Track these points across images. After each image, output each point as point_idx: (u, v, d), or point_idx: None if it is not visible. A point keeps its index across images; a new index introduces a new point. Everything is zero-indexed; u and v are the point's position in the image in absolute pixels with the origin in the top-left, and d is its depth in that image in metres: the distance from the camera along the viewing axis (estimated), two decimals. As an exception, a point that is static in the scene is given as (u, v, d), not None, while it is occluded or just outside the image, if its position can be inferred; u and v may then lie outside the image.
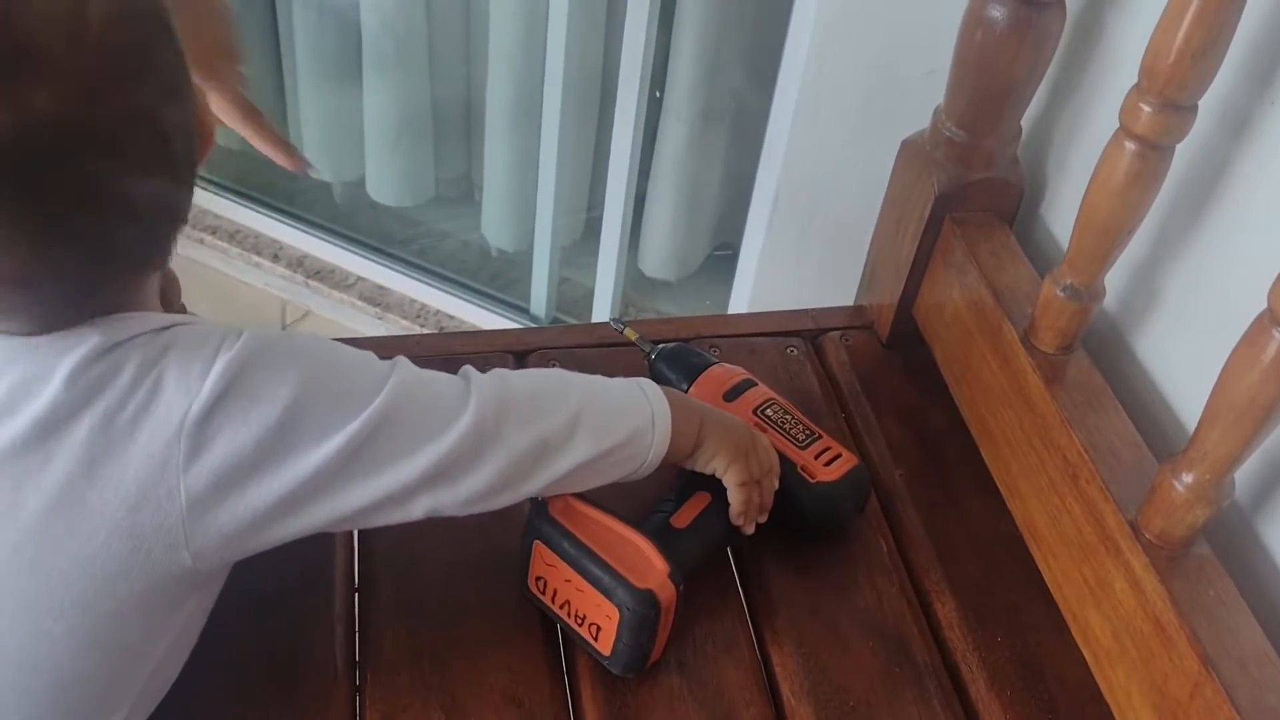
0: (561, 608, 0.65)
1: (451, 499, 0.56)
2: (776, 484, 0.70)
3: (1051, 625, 0.70)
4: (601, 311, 1.48)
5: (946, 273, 0.80)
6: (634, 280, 1.55)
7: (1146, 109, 0.58)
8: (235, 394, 0.50)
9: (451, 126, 1.57)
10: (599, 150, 1.44)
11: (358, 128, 1.55)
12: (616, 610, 0.62)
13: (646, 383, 0.65)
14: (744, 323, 0.92)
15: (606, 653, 0.64)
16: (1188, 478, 0.58)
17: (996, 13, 0.69)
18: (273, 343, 0.52)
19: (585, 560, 0.62)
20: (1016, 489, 0.73)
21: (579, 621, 0.64)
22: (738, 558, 0.74)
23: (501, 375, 0.60)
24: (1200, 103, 0.59)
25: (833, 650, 0.68)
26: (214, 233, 1.66)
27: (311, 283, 1.61)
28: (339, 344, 0.56)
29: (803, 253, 1.09)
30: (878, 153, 0.86)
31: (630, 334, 0.81)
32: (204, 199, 1.67)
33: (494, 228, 1.57)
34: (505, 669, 0.66)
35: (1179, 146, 0.61)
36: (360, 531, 0.72)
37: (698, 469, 0.68)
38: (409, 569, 0.70)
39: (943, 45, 0.76)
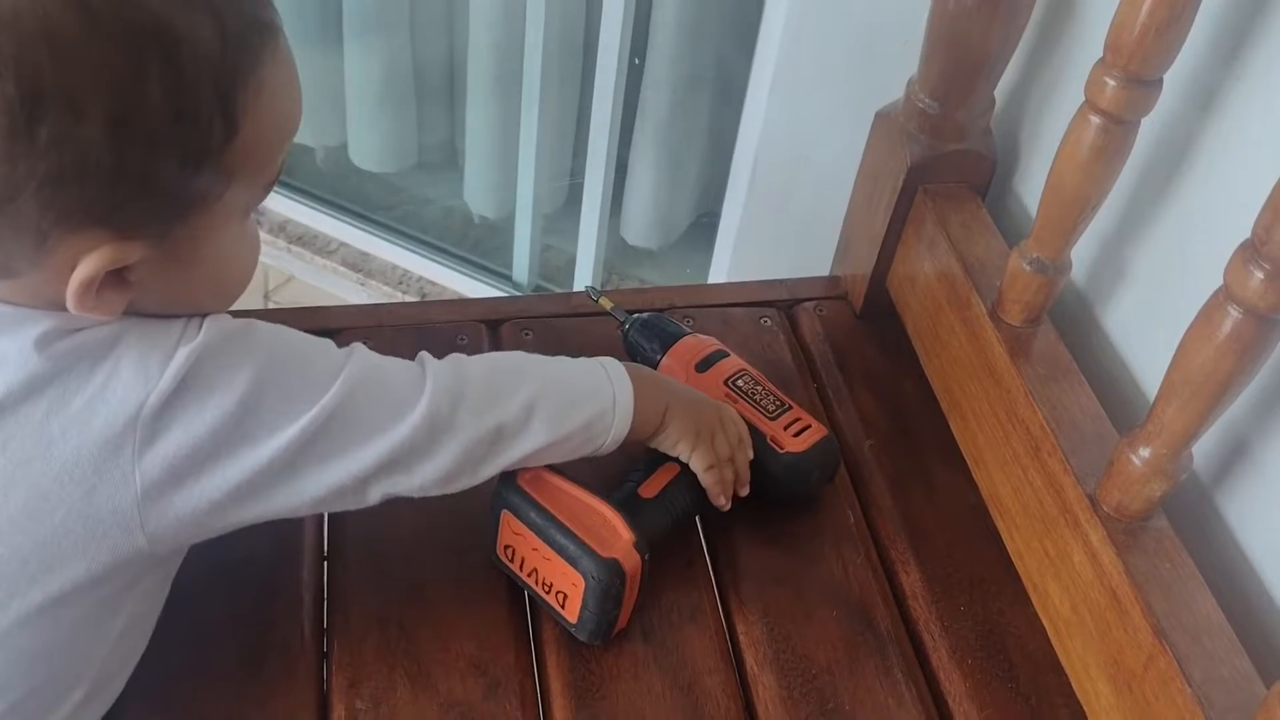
0: (529, 575, 0.66)
1: (407, 485, 0.57)
2: (750, 455, 0.71)
3: (1013, 596, 0.71)
4: (583, 279, 1.48)
5: (918, 244, 0.80)
6: (616, 248, 1.55)
7: (1111, 83, 0.58)
8: (192, 385, 0.50)
9: (434, 91, 1.56)
10: (581, 117, 1.44)
11: (339, 92, 1.54)
12: (582, 579, 0.62)
13: (610, 362, 0.65)
14: (718, 293, 0.92)
15: (573, 620, 0.64)
16: (1145, 452, 0.59)
17: (968, -16, 0.69)
18: (232, 334, 0.52)
19: (552, 530, 0.63)
20: (982, 461, 0.74)
21: (546, 589, 0.65)
22: (706, 528, 0.74)
23: (458, 361, 0.60)
24: (1166, 77, 0.59)
25: (797, 620, 0.69)
26: (195, 197, 1.65)
27: (294, 248, 1.60)
28: (297, 334, 0.56)
29: (782, 222, 1.09)
30: (855, 123, 0.86)
31: (605, 303, 0.82)
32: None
33: (476, 194, 1.57)
34: (471, 637, 0.66)
35: (1145, 121, 0.61)
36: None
37: (661, 450, 0.68)
38: (377, 538, 0.70)
39: (919, 16, 0.75)
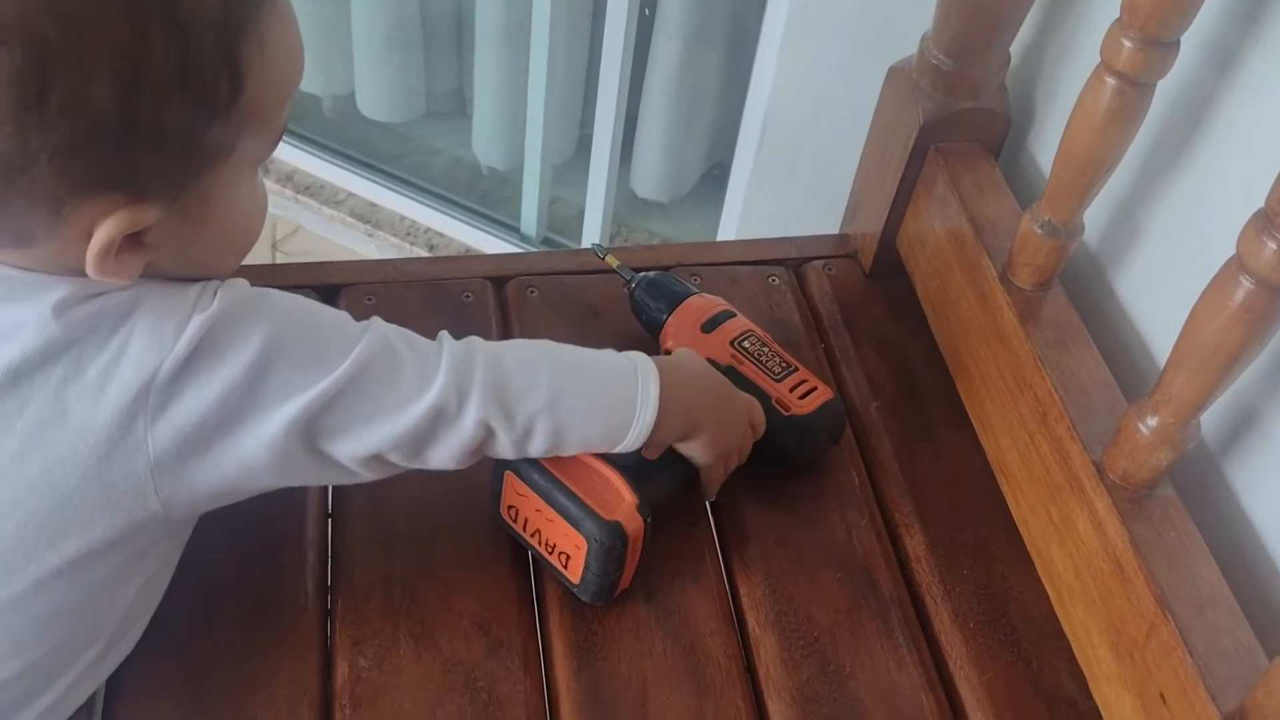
0: (532, 536, 0.66)
1: (407, 466, 0.58)
2: (761, 431, 0.70)
3: (1017, 560, 0.71)
4: (592, 232, 1.47)
5: (929, 204, 0.79)
6: (626, 200, 1.53)
7: (1127, 44, 0.57)
8: (205, 353, 0.50)
9: (443, 39, 1.54)
10: (591, 66, 1.42)
11: (347, 40, 1.52)
12: (585, 541, 0.63)
13: (646, 369, 0.62)
14: (726, 250, 0.91)
15: (576, 581, 0.65)
16: (1152, 421, 0.58)
17: (985, -63, 0.67)
18: (246, 302, 0.52)
19: (555, 491, 0.63)
20: (989, 425, 0.73)
21: (549, 550, 0.65)
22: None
23: (476, 350, 0.58)
24: (1184, 39, 0.57)
25: (800, 582, 0.69)
26: (203, 146, 1.64)
27: (301, 198, 1.59)
28: (314, 305, 0.56)
29: (793, 177, 1.07)
30: (868, 78, 0.84)
31: (612, 261, 0.81)
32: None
33: (485, 145, 1.55)
34: (475, 596, 0.67)
35: (1162, 82, 0.60)
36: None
37: (682, 453, 0.67)
38: (381, 496, 0.70)
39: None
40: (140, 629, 0.61)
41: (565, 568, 0.65)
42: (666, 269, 0.86)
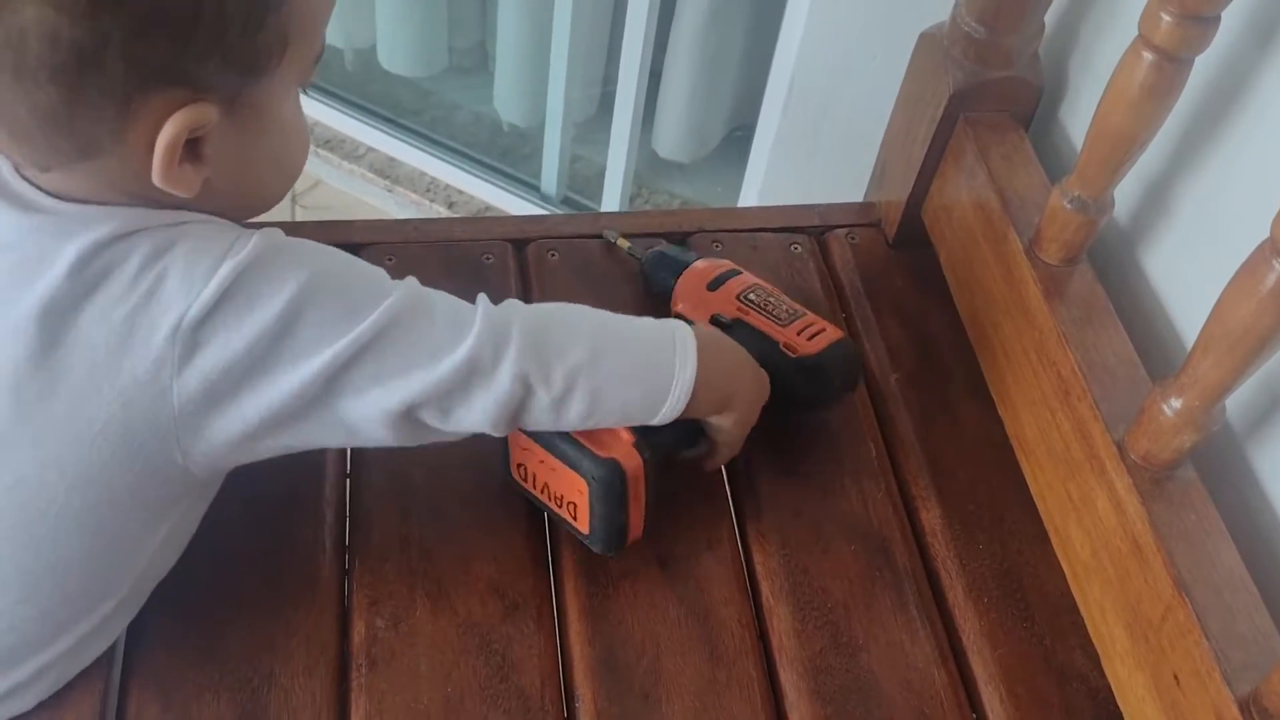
0: (541, 491, 0.66)
1: (439, 429, 0.57)
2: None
3: (1033, 536, 0.70)
4: (613, 193, 1.46)
5: (957, 174, 0.78)
6: (647, 160, 1.52)
7: (1166, 19, 0.55)
8: (234, 299, 0.50)
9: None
10: (615, 22, 1.40)
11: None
12: (584, 482, 0.62)
13: (684, 337, 0.61)
14: (748, 217, 0.90)
15: (585, 531, 0.64)
16: (1176, 403, 0.58)
17: (1023, -98, 0.66)
18: (280, 249, 0.52)
19: (554, 438, 0.62)
20: (1010, 400, 0.73)
21: (558, 503, 0.65)
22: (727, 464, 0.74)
23: (513, 310, 0.58)
24: (1225, 13, 0.56)
25: (814, 553, 0.69)
26: (224, 97, 1.63)
27: (321, 152, 1.58)
28: (349, 257, 0.55)
29: (817, 143, 1.06)
30: (897, 43, 0.83)
31: (623, 244, 0.82)
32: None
33: (506, 101, 1.54)
34: (491, 559, 0.67)
35: (1199, 58, 0.58)
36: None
37: (705, 425, 0.67)
38: (400, 458, 0.70)
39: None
40: (150, 588, 0.62)
41: (575, 518, 0.64)
42: (688, 235, 0.86)
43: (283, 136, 0.54)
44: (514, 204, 1.53)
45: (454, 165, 1.56)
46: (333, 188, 1.62)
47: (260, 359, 0.51)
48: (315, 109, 1.62)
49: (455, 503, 0.69)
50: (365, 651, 0.63)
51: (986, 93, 0.75)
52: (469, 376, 0.55)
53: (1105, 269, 0.70)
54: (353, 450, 0.71)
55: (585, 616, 0.65)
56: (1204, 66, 0.60)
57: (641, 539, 0.66)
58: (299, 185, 1.63)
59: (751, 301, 0.73)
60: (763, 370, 0.68)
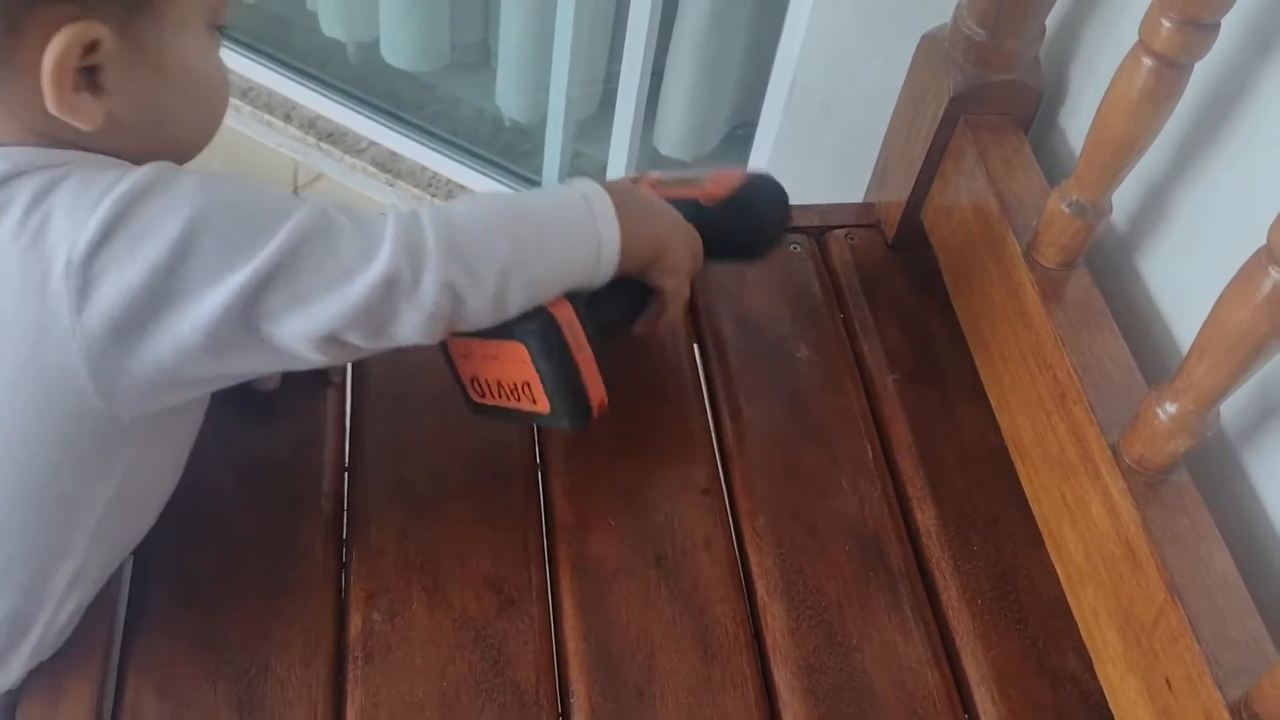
0: (499, 392, 0.63)
1: (374, 346, 0.54)
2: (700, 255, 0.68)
3: (1028, 538, 0.71)
4: (614, 189, 1.46)
5: (956, 176, 0.78)
6: (649, 157, 1.52)
7: (1167, 24, 0.56)
8: (121, 231, 0.48)
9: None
10: (618, 20, 1.40)
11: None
12: (524, 348, 0.59)
13: (597, 197, 0.60)
14: (749, 217, 0.90)
15: (545, 409, 0.62)
16: (1171, 407, 0.58)
17: (1026, -93, 0.66)
18: (171, 178, 0.50)
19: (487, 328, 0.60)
20: (1006, 402, 0.73)
21: (515, 394, 0.62)
22: (723, 456, 0.74)
23: (423, 216, 0.54)
24: (1225, 19, 0.56)
25: (810, 552, 0.70)
26: (226, 88, 1.63)
27: (324, 145, 1.59)
28: (247, 181, 0.52)
29: (818, 142, 1.06)
30: (899, 45, 0.83)
31: None
32: (216, 53, 1.64)
33: (508, 96, 1.54)
34: (488, 554, 0.67)
35: (1198, 63, 0.58)
36: (352, 411, 0.73)
37: (646, 280, 0.64)
38: (399, 451, 0.71)
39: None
40: (122, 552, 0.61)
41: (534, 400, 0.62)
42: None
43: (188, 76, 0.53)
44: (515, 200, 1.53)
45: (456, 160, 1.56)
46: (334, 181, 1.63)
47: (161, 292, 0.49)
48: (317, 101, 1.62)
49: (454, 497, 0.69)
50: (361, 644, 0.63)
51: (987, 95, 0.76)
52: (389, 294, 0.52)
53: (1102, 272, 0.71)
54: (351, 444, 0.71)
55: (580, 612, 0.66)
56: (1203, 72, 0.60)
57: (608, 408, 0.63)
58: (301, 178, 1.63)
59: (665, 182, 0.71)
60: (683, 218, 0.66)
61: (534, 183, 1.55)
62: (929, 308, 0.83)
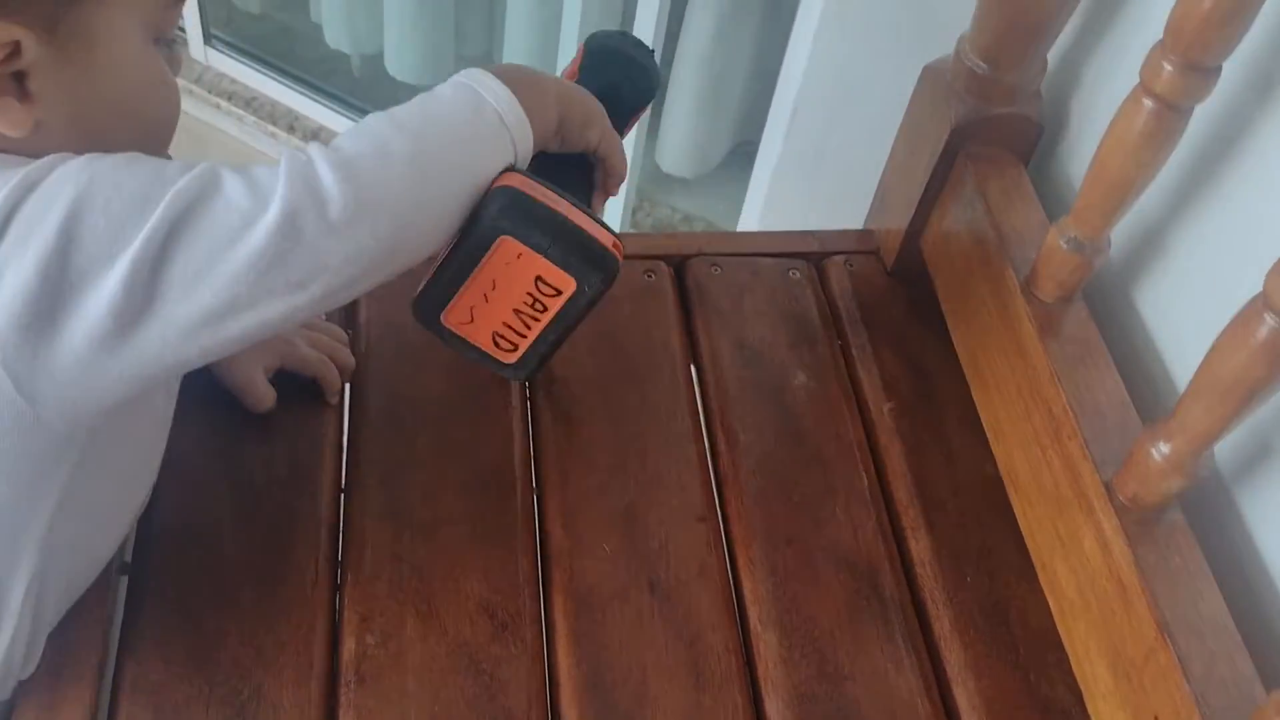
0: (529, 321, 0.56)
1: (307, 300, 0.50)
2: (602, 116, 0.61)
3: (1021, 571, 0.71)
4: (614, 206, 1.46)
5: (956, 207, 0.79)
6: (650, 174, 1.53)
7: (1168, 68, 0.56)
8: (13, 225, 0.46)
9: (474, 2, 1.52)
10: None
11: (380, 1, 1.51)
12: (506, 238, 0.53)
13: (484, 82, 0.54)
14: (747, 241, 0.91)
15: (573, 285, 0.54)
16: (1165, 448, 0.58)
17: (1029, -56, 0.66)
18: (56, 164, 0.48)
19: (462, 269, 0.54)
20: (1002, 435, 0.73)
21: (540, 303, 0.55)
22: (719, 481, 0.75)
23: (315, 148, 0.50)
24: (1225, 63, 0.56)
25: (803, 581, 0.70)
26: (229, 98, 1.64)
27: (295, 149, 1.59)
28: (132, 155, 0.49)
29: (819, 166, 1.07)
30: (901, 73, 0.83)
31: None
32: (220, 63, 1.64)
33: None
34: (483, 579, 0.67)
35: (1200, 105, 0.59)
36: (350, 433, 0.73)
37: (570, 148, 0.59)
38: (395, 473, 0.71)
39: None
40: (93, 563, 0.60)
41: (559, 289, 0.55)
42: (688, 257, 0.86)
43: (124, 80, 0.51)
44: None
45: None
46: (336, 191, 1.63)
47: (58, 281, 0.46)
48: (320, 113, 1.62)
49: (448, 520, 0.69)
50: (354, 668, 0.63)
51: (987, 128, 0.76)
52: (294, 229, 0.47)
53: (1098, 305, 0.71)
54: (348, 465, 0.72)
55: (573, 638, 0.66)
56: (1203, 113, 0.61)
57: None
58: (302, 188, 1.63)
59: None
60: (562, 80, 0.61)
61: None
62: (926, 336, 0.83)
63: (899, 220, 0.85)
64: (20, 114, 0.48)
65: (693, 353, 0.82)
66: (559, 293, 0.55)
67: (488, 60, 1.61)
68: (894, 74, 0.86)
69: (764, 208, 1.13)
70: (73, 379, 0.48)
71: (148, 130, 0.55)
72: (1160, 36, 0.58)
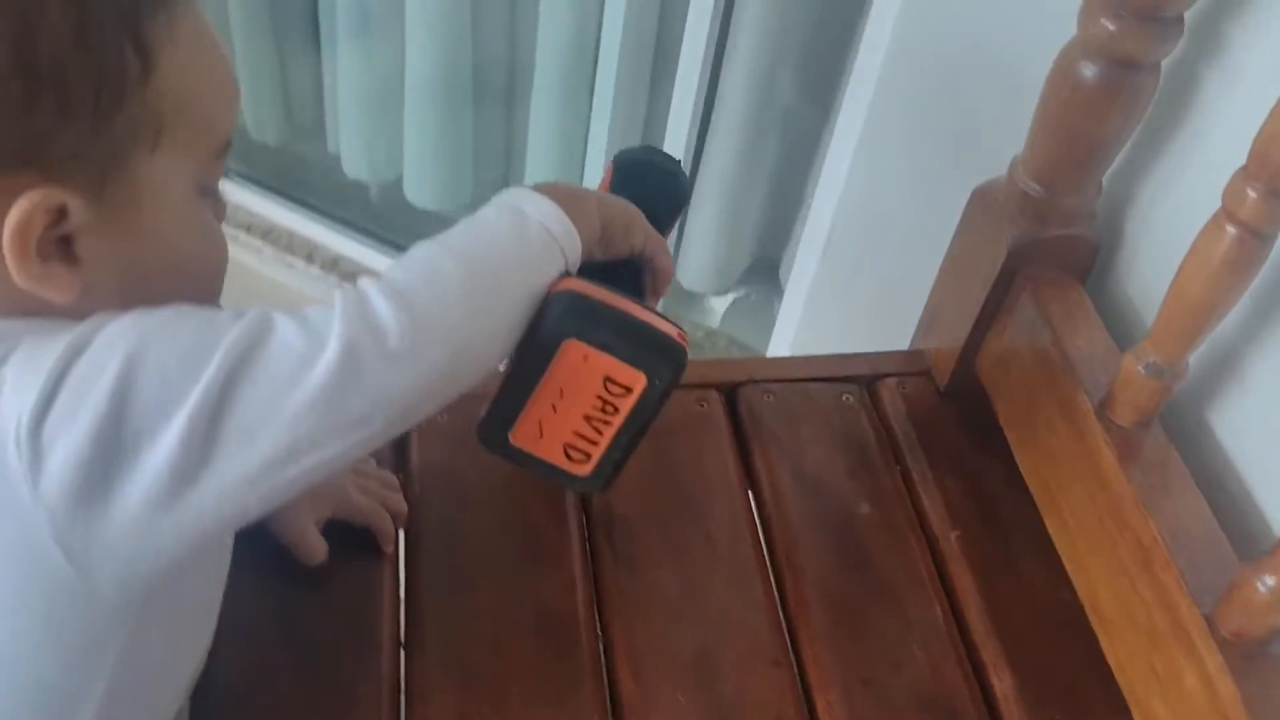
0: (601, 425, 0.55)
1: (369, 437, 0.48)
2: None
3: (1111, 706, 0.68)
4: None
5: (1015, 329, 0.78)
6: (672, 291, 1.52)
7: (1253, 195, 0.55)
8: (64, 391, 0.44)
9: (491, 128, 1.54)
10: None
11: (398, 127, 1.52)
12: (571, 340, 0.52)
13: (524, 199, 0.54)
14: (797, 366, 0.89)
15: (643, 382, 0.53)
16: (1271, 580, 0.56)
17: (1088, 72, 0.66)
18: (106, 324, 0.46)
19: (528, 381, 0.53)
20: (1082, 564, 0.71)
21: (609, 404, 0.54)
22: (789, 620, 0.72)
23: (361, 284, 0.49)
24: (1308, 188, 0.56)
25: (887, 726, 0.67)
26: (247, 230, 1.64)
27: (346, 285, 1.58)
28: (181, 308, 0.48)
29: (853, 290, 1.06)
30: (943, 194, 0.83)
31: None
32: (237, 194, 1.65)
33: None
34: (552, 737, 0.64)
35: (1279, 228, 0.58)
36: (407, 583, 0.70)
37: (616, 254, 0.59)
38: (456, 624, 0.68)
39: (1022, 90, 0.73)
40: None
41: (628, 387, 0.53)
42: (739, 385, 0.85)
43: (173, 235, 0.50)
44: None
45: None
46: (354, 318, 1.62)
47: (113, 445, 0.45)
48: (339, 242, 1.63)
49: (513, 675, 0.66)
50: (424, 841, 0.60)
51: (1045, 250, 0.76)
52: (354, 361, 0.46)
53: (1173, 425, 0.69)
54: (407, 618, 0.69)
55: (651, 798, 0.62)
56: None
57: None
58: (321, 315, 1.63)
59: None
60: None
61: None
62: (986, 457, 0.82)
63: (951, 341, 0.84)
64: (67, 280, 0.47)
65: (750, 483, 0.80)
66: (629, 390, 0.53)
67: (502, 183, 1.63)
68: (934, 194, 0.86)
69: (798, 329, 1.12)
70: (127, 544, 0.46)
71: (197, 282, 0.54)
72: (1224, 154, 0.58)
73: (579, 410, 0.55)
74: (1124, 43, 0.64)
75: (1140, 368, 0.65)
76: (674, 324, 0.55)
